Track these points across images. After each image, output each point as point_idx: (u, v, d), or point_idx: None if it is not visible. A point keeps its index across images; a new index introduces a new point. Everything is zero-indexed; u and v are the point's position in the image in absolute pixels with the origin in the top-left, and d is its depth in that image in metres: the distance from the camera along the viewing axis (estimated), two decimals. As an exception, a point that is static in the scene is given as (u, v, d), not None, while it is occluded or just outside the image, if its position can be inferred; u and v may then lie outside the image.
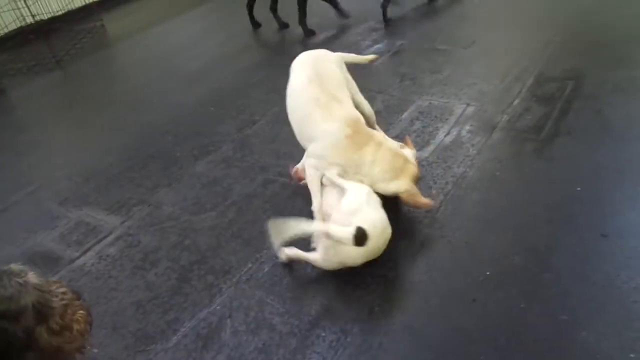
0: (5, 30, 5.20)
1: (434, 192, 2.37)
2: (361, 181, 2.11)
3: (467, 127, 2.79)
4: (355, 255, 1.90)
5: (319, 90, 2.21)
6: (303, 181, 2.28)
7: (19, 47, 5.18)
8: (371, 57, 2.74)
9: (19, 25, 5.22)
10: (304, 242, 2.05)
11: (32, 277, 1.07)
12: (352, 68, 2.53)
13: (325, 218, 2.09)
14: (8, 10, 5.03)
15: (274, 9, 4.65)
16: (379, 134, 2.25)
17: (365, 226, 1.84)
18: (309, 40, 4.32)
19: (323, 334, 1.81)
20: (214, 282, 2.11)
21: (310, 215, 2.18)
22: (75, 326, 1.09)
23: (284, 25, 4.66)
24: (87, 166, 3.08)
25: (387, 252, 2.08)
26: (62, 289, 1.11)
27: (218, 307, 1.99)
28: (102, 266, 2.30)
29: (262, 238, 2.24)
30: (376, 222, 1.92)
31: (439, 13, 4.51)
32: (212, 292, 2.06)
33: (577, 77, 3.06)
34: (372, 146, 2.10)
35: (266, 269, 2.11)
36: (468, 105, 2.99)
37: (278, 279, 2.05)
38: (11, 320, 1.00)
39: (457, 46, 3.74)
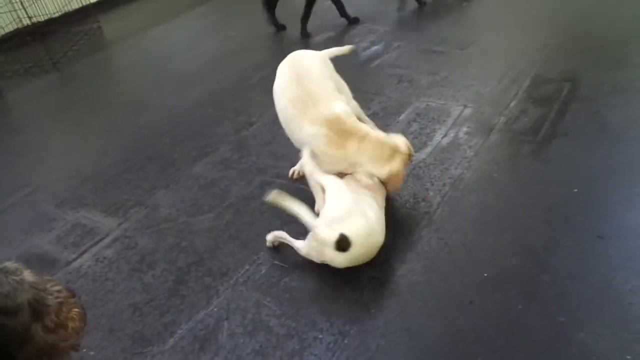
0: (2, 32, 5.18)
1: (430, 193, 2.37)
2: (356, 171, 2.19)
3: (465, 129, 2.80)
4: (338, 260, 1.92)
5: (296, 92, 2.24)
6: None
7: (16, 48, 5.17)
8: (348, 47, 2.83)
9: (15, 27, 5.20)
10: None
11: (28, 275, 1.07)
12: (351, 69, 2.54)
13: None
14: (5, 12, 5.01)
15: (271, 10, 4.64)
16: (364, 126, 2.21)
17: (349, 234, 1.86)
18: (305, 40, 4.32)
19: (320, 336, 1.80)
20: (211, 284, 2.10)
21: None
22: (71, 324, 1.10)
23: (282, 27, 4.67)
24: (84, 168, 3.07)
25: (384, 254, 2.08)
26: (57, 287, 1.11)
27: (215, 309, 1.98)
28: (98, 268, 2.30)
29: (260, 240, 2.24)
30: (361, 230, 1.91)
31: (436, 15, 4.52)
32: (209, 294, 2.05)
33: (574, 79, 3.07)
34: (354, 139, 2.14)
35: (263, 271, 2.11)
36: (465, 107, 3.00)
37: (275, 281, 2.05)
38: (9, 316, 1.00)
39: (455, 48, 3.75)
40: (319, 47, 4.13)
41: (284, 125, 2.35)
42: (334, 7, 4.54)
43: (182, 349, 1.85)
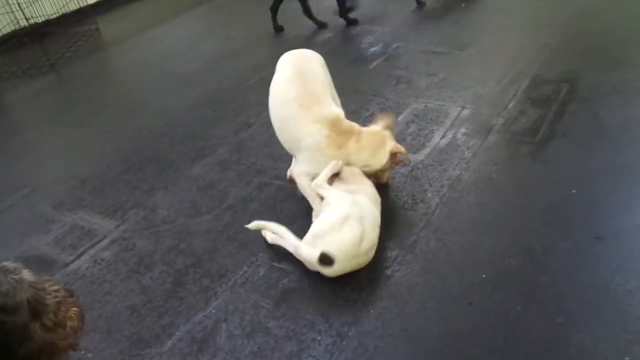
0: None
1: (429, 194, 2.37)
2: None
3: (463, 130, 2.80)
4: (328, 272, 1.95)
5: (300, 90, 2.24)
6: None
7: (13, 50, 5.16)
8: None
9: (13, 28, 5.19)
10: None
11: (27, 274, 1.08)
12: (349, 69, 2.54)
13: None
14: (2, 14, 5.00)
15: (308, 12, 4.61)
16: (355, 125, 2.29)
17: (332, 249, 1.89)
18: (306, 39, 4.32)
19: (319, 338, 1.80)
20: (209, 286, 2.10)
21: (306, 217, 2.18)
22: (69, 323, 1.10)
23: (280, 28, 4.66)
24: (81, 169, 3.06)
25: (383, 255, 2.08)
26: (55, 287, 1.12)
27: (213, 311, 1.98)
28: (96, 270, 2.29)
29: (258, 241, 2.23)
30: (346, 243, 1.92)
31: (435, 16, 4.53)
32: (207, 296, 2.05)
33: (572, 80, 3.08)
34: (353, 138, 2.22)
35: (262, 273, 2.10)
36: (464, 107, 3.00)
37: (274, 283, 2.05)
38: (8, 314, 1.01)
39: (453, 49, 3.75)
40: (318, 47, 4.13)
41: (277, 120, 2.33)
42: (333, 8, 4.54)
43: (180, 350, 1.85)
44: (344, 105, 3.21)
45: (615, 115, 2.70)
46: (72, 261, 2.36)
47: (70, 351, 1.13)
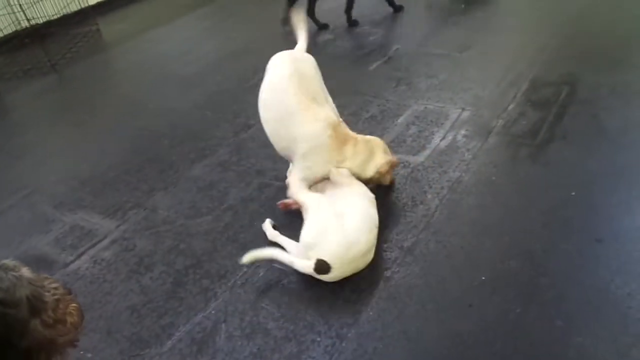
0: (0, 35, 5.18)
1: (429, 196, 2.37)
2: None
3: (463, 132, 2.80)
4: (328, 278, 1.95)
5: (299, 89, 2.22)
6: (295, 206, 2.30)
7: (14, 50, 5.16)
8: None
9: (14, 29, 5.20)
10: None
11: (26, 272, 1.09)
12: (349, 71, 2.54)
13: None
14: (3, 15, 5.01)
15: (311, 12, 4.61)
16: (351, 131, 2.32)
17: (326, 256, 1.89)
18: (311, 39, 4.32)
19: (318, 339, 1.80)
20: (209, 287, 2.10)
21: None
22: (69, 319, 1.11)
23: (323, 26, 4.63)
24: (82, 170, 3.07)
25: (383, 257, 2.08)
26: (54, 285, 1.13)
27: (213, 312, 1.98)
28: (96, 270, 2.29)
29: (258, 242, 2.23)
30: (339, 247, 1.91)
31: (435, 18, 4.53)
32: (207, 297, 2.05)
33: (572, 82, 3.08)
34: (350, 143, 2.25)
35: (261, 274, 2.10)
36: (463, 109, 3.00)
37: (273, 284, 2.05)
38: (9, 307, 1.01)
39: (453, 51, 3.75)
40: (318, 48, 4.14)
41: (273, 120, 2.29)
42: (333, 9, 4.54)
43: (179, 351, 1.85)
44: (344, 106, 3.23)
45: (615, 117, 2.70)
46: (72, 261, 2.37)
47: (70, 348, 1.14)
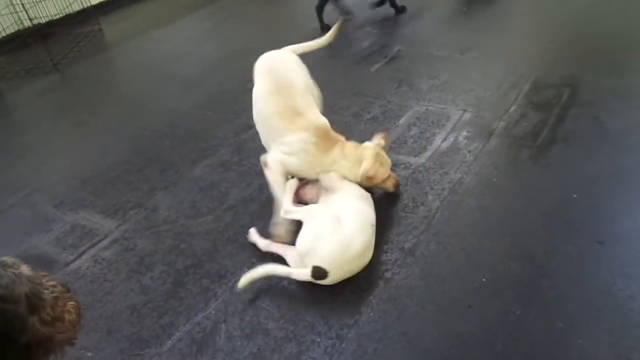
0: (3, 34, 5.19)
1: (430, 197, 2.37)
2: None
3: (464, 133, 2.80)
4: (328, 282, 1.94)
5: (280, 103, 2.26)
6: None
7: (17, 50, 5.17)
8: (319, 41, 2.72)
9: (16, 28, 5.21)
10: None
11: (25, 269, 1.09)
12: (351, 72, 2.54)
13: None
14: (6, 14, 5.02)
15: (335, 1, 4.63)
16: (339, 135, 2.32)
17: (321, 262, 1.89)
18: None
19: (318, 340, 1.80)
20: (209, 287, 2.10)
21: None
22: (67, 317, 1.11)
23: (347, 13, 4.64)
24: (83, 169, 3.07)
25: (383, 258, 2.08)
26: (52, 282, 1.13)
27: (213, 312, 1.98)
28: (97, 270, 2.29)
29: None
30: (333, 251, 1.91)
31: (436, 19, 4.53)
32: (207, 297, 2.05)
33: (573, 84, 3.08)
34: (339, 146, 2.25)
35: (262, 274, 2.10)
36: (465, 111, 3.00)
37: (274, 284, 2.05)
38: (9, 303, 1.01)
39: (455, 52, 3.75)
40: (321, 50, 4.13)
41: (263, 132, 2.37)
42: (333, 10, 4.54)
43: (179, 351, 1.85)
44: (346, 107, 3.24)
45: (617, 119, 2.70)
46: (73, 260, 2.37)
47: (68, 345, 1.13)
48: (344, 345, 1.77)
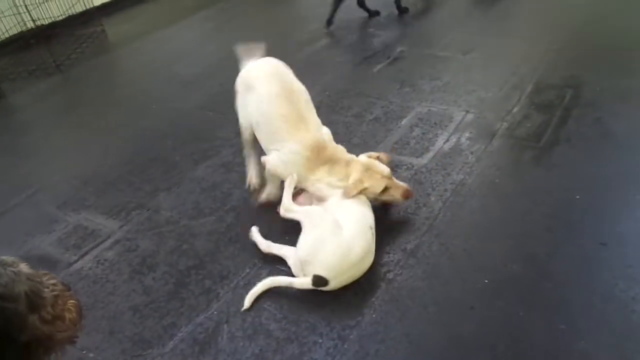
0: (6, 35, 5.20)
1: (432, 199, 2.37)
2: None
3: (467, 134, 2.79)
4: (328, 288, 1.92)
5: (286, 106, 2.25)
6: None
7: (20, 51, 5.19)
8: None
9: (19, 29, 5.22)
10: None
11: (24, 267, 1.08)
12: (353, 73, 2.54)
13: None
14: (9, 15, 5.03)
15: (361, 2, 4.66)
16: (339, 151, 2.25)
17: (322, 270, 1.88)
18: (315, 40, 4.33)
19: (320, 341, 1.80)
20: (211, 287, 2.10)
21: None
22: (68, 315, 1.10)
23: (375, 13, 4.68)
24: (86, 170, 3.08)
25: (385, 259, 2.08)
26: (53, 281, 1.12)
27: (215, 313, 1.98)
28: (99, 270, 2.30)
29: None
30: (334, 258, 1.90)
31: (439, 20, 4.53)
32: (209, 297, 2.05)
33: (576, 85, 3.07)
34: (327, 167, 2.20)
35: (264, 275, 2.10)
36: (467, 112, 3.00)
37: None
38: (8, 301, 1.01)
39: (457, 53, 3.75)
40: (323, 51, 4.15)
41: (263, 133, 2.34)
42: (336, 10, 4.54)
43: (181, 351, 1.85)
44: (348, 108, 3.24)
45: (620, 121, 2.69)
46: (76, 261, 2.37)
47: (69, 344, 1.13)
48: (345, 346, 1.76)
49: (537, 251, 2.01)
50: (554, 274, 1.90)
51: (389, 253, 2.11)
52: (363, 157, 2.25)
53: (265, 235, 2.23)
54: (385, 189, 2.18)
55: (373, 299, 1.92)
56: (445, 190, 2.41)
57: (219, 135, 3.20)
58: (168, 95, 3.94)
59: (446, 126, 2.89)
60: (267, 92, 2.32)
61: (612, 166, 2.39)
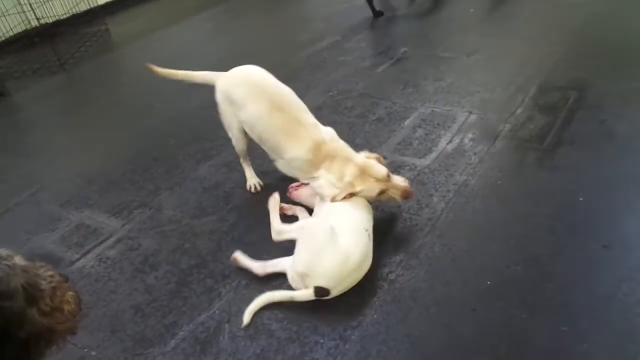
0: (11, 33, 5.23)
1: (435, 199, 2.36)
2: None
3: (470, 135, 2.79)
4: (333, 294, 1.91)
5: (282, 117, 2.24)
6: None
7: (24, 50, 5.21)
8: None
9: (24, 28, 5.25)
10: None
11: (19, 260, 1.06)
12: (357, 73, 2.54)
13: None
14: (13, 14, 5.06)
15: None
16: (339, 147, 2.22)
17: (322, 281, 1.86)
18: (317, 40, 4.33)
19: (321, 341, 1.80)
20: (213, 287, 2.10)
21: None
22: (66, 307, 1.08)
23: (379, 13, 4.70)
24: (89, 169, 3.08)
25: (387, 260, 2.08)
26: (50, 272, 1.10)
27: (217, 312, 1.98)
28: (101, 269, 2.30)
29: (263, 243, 2.23)
30: (334, 266, 1.88)
31: (442, 21, 4.53)
32: (211, 297, 2.05)
33: (580, 87, 3.06)
34: (327, 163, 2.19)
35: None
36: (471, 113, 2.99)
37: (277, 284, 2.04)
38: (5, 299, 0.99)
39: (460, 54, 3.74)
40: (325, 51, 4.15)
41: (266, 144, 2.34)
42: (339, 11, 4.55)
43: (183, 350, 1.85)
44: (351, 108, 3.24)
45: (624, 123, 2.68)
46: (78, 259, 2.38)
47: (70, 335, 1.11)
48: (347, 346, 1.76)
49: (540, 253, 2.00)
50: (556, 276, 1.89)
51: (391, 254, 2.11)
52: (361, 157, 2.20)
53: (269, 235, 2.21)
54: (383, 192, 2.14)
55: (375, 300, 1.92)
56: (448, 191, 2.40)
57: (222, 134, 3.18)
58: (171, 95, 3.94)
59: (449, 127, 2.89)
60: (257, 112, 2.29)
61: (615, 168, 2.38)
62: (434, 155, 2.67)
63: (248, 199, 2.58)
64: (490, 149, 2.66)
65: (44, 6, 5.11)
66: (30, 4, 4.80)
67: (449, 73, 3.50)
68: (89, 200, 2.80)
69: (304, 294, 1.91)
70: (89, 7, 5.65)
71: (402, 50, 3.99)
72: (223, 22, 5.50)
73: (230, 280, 2.11)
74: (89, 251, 2.42)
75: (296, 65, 3.92)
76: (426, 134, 2.86)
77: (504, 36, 4.02)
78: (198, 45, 4.93)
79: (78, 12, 5.56)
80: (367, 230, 2.03)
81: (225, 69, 2.55)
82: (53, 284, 1.08)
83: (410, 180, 2.50)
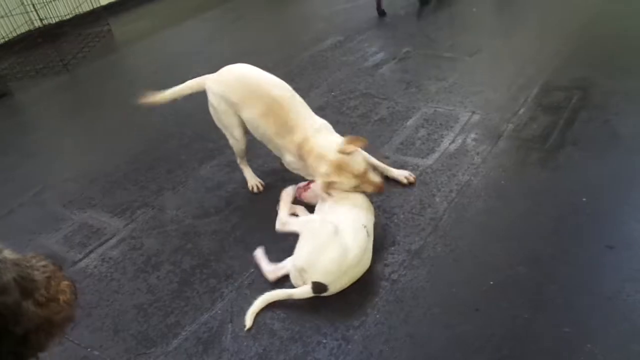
0: (14, 34, 5.24)
1: (437, 199, 2.36)
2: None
3: (472, 135, 2.78)
4: (332, 292, 1.91)
5: (274, 122, 2.26)
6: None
7: (27, 50, 5.22)
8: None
9: (27, 28, 5.26)
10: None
11: (8, 253, 1.04)
12: (359, 73, 2.53)
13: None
14: (17, 14, 5.07)
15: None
16: (320, 142, 2.18)
17: (320, 277, 1.86)
18: (320, 40, 4.33)
19: (324, 341, 1.80)
20: (215, 287, 2.10)
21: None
22: (62, 297, 1.07)
23: (382, 13, 4.69)
24: (91, 169, 3.09)
25: (390, 260, 2.07)
26: (42, 262, 1.08)
27: (219, 312, 1.98)
28: (104, 268, 2.30)
29: (265, 243, 2.23)
30: (329, 268, 1.88)
31: (445, 21, 4.52)
32: (213, 297, 2.05)
33: (584, 87, 3.05)
34: (310, 155, 2.18)
35: (268, 275, 2.10)
36: (473, 113, 2.99)
37: (280, 284, 2.04)
38: None
39: (463, 54, 3.74)
40: (329, 51, 4.15)
41: (270, 145, 2.40)
42: (342, 11, 4.54)
43: (185, 350, 1.85)
44: (353, 108, 3.24)
45: (627, 123, 2.67)
46: (81, 259, 2.38)
47: (68, 325, 1.10)
48: (349, 346, 1.76)
49: (543, 253, 2.00)
50: (559, 277, 1.89)
51: (394, 253, 2.11)
52: (333, 155, 2.12)
53: (271, 235, 2.21)
54: (357, 186, 2.15)
55: (377, 300, 1.92)
56: (451, 191, 2.40)
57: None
58: (174, 95, 3.94)
59: (452, 127, 2.88)
60: (252, 116, 2.33)
61: (619, 169, 2.37)
62: (436, 155, 2.67)
63: (250, 199, 2.58)
64: (493, 149, 2.65)
65: (47, 7, 5.12)
66: (33, 5, 4.82)
67: (452, 73, 3.49)
68: (92, 200, 2.80)
69: (302, 290, 1.91)
70: (91, 8, 5.66)
71: (405, 50, 3.98)
72: (226, 22, 5.50)
73: (233, 280, 2.11)
74: (91, 251, 2.42)
75: (299, 65, 3.92)
76: (429, 134, 2.85)
77: (507, 36, 4.01)
78: (201, 45, 4.93)
79: (81, 12, 5.58)
80: (365, 227, 2.02)
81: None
82: (47, 274, 1.06)
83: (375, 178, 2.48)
